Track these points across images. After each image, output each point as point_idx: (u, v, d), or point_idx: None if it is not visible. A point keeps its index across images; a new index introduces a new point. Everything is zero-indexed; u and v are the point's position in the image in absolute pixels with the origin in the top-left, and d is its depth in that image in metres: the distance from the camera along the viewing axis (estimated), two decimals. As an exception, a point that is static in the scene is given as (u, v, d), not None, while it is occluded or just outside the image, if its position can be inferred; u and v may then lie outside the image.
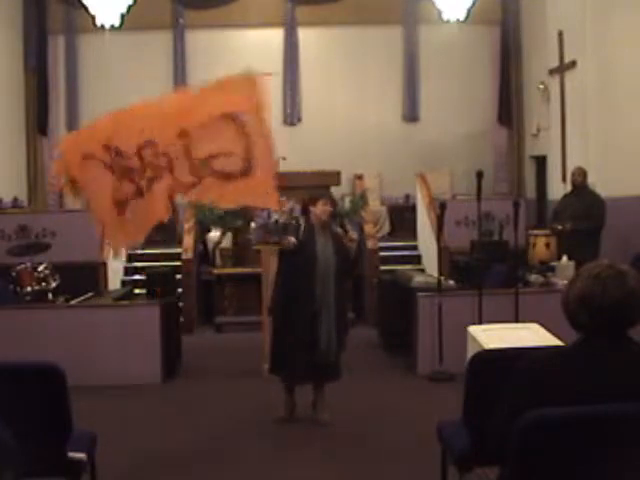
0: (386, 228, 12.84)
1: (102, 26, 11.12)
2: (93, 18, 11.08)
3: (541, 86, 11.82)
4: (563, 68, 10.39)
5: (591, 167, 9.21)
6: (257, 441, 5.57)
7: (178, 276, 10.01)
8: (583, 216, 8.58)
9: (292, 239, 5.75)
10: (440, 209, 7.83)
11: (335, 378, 5.93)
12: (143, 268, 10.33)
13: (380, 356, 8.30)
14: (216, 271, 10.56)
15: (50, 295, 8.05)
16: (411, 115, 13.36)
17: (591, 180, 9.03)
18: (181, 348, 8.27)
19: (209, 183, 4.63)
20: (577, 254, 7.74)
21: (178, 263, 10.27)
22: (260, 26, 13.21)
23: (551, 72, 10.82)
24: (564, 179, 10.04)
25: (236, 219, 10.35)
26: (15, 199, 11.61)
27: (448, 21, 11.67)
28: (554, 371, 2.44)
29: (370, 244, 10.47)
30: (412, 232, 11.95)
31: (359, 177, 12.35)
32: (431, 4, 11.72)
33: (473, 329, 5.43)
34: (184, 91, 4.96)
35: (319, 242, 5.80)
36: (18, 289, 7.92)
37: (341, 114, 12.97)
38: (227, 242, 10.93)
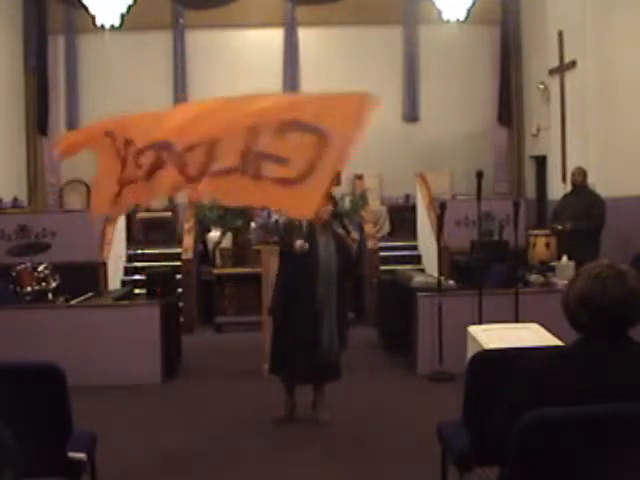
0: (386, 228, 12.84)
1: (102, 26, 11.12)
2: (93, 18, 11.08)
3: (541, 86, 11.81)
4: (563, 68, 10.39)
5: (591, 167, 9.21)
6: (257, 441, 5.57)
7: (178, 276, 10.01)
8: (583, 216, 8.58)
9: (305, 244, 5.75)
10: (440, 209, 7.83)
11: (335, 378, 5.93)
12: (143, 268, 10.34)
13: (380, 356, 8.30)
14: (216, 271, 10.56)
15: (50, 295, 8.05)
16: (411, 115, 13.36)
17: (591, 180, 9.03)
18: (181, 348, 8.27)
19: (243, 182, 4.43)
20: (577, 254, 7.74)
21: (178, 263, 10.27)
22: (260, 26, 13.20)
23: (551, 72, 10.82)
24: (564, 179, 10.04)
25: (236, 219, 10.36)
26: (15, 199, 11.61)
27: (448, 21, 11.67)
28: (554, 371, 2.44)
29: (370, 244, 10.47)
30: (412, 232, 11.95)
31: (359, 177, 12.36)
32: (431, 4, 11.72)
33: (473, 329, 5.43)
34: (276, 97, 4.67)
35: (321, 242, 5.80)
36: (18, 289, 7.92)
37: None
38: (227, 242, 10.94)
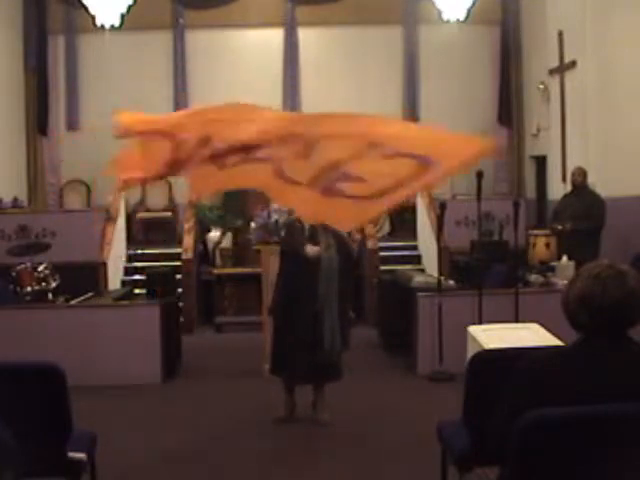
0: (386, 228, 12.83)
1: (102, 26, 11.11)
2: (93, 18, 11.07)
3: (541, 86, 11.81)
4: (563, 68, 10.38)
5: (591, 167, 9.21)
6: (257, 441, 5.57)
7: (178, 276, 10.01)
8: (583, 216, 8.58)
9: (317, 248, 5.74)
10: (440, 209, 7.83)
11: (337, 378, 5.93)
12: (143, 268, 10.34)
13: (380, 356, 8.30)
14: (216, 271, 10.57)
15: (50, 295, 8.05)
16: (411, 115, 13.34)
17: (591, 180, 9.03)
18: (181, 348, 8.27)
19: (314, 197, 4.33)
20: (577, 254, 7.74)
21: (178, 263, 10.27)
22: (260, 26, 13.19)
23: (551, 72, 10.82)
24: (564, 179, 10.04)
25: (236, 219, 10.36)
26: (15, 199, 11.60)
27: (448, 21, 11.67)
28: (554, 371, 2.44)
29: (370, 244, 10.47)
30: (412, 232, 11.94)
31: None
32: (431, 4, 11.72)
33: (473, 329, 5.43)
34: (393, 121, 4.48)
35: (322, 242, 5.80)
36: (18, 289, 7.93)
37: (341, 114, 12.97)
38: (227, 242, 10.94)
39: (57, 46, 13.09)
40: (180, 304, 9.58)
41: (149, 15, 12.44)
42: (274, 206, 7.92)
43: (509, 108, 13.40)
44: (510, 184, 13.48)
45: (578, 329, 2.51)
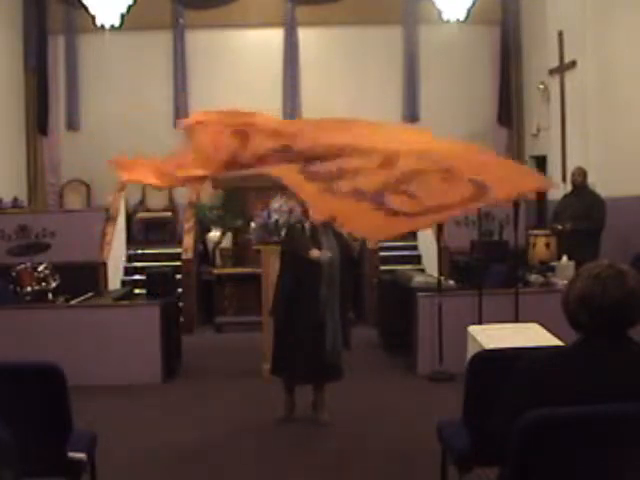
0: (386, 228, 12.82)
1: (102, 26, 11.11)
2: (93, 18, 11.07)
3: (541, 86, 11.81)
4: (563, 68, 10.38)
5: (591, 167, 9.21)
6: (257, 441, 5.57)
7: (178, 276, 10.01)
8: (583, 216, 8.58)
9: (327, 252, 5.74)
10: (440, 209, 7.81)
11: (338, 378, 5.93)
12: (143, 268, 10.34)
13: (380, 356, 8.30)
14: (216, 271, 10.57)
15: (50, 295, 8.04)
16: (411, 115, 13.34)
17: (591, 180, 9.03)
18: (181, 348, 8.26)
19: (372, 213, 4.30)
20: (577, 254, 7.74)
21: (178, 263, 10.27)
22: (260, 26, 13.19)
23: (551, 72, 10.82)
24: (564, 179, 10.04)
25: (236, 219, 10.36)
26: (15, 199, 11.61)
27: (448, 21, 11.67)
28: (554, 371, 2.44)
29: (370, 244, 10.46)
30: (412, 232, 11.94)
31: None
32: (431, 4, 11.72)
33: (473, 329, 5.43)
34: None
35: (323, 242, 5.80)
36: (18, 289, 7.92)
37: (341, 114, 12.87)
38: (227, 242, 10.94)
39: (57, 46, 13.10)
40: (180, 304, 9.59)
41: (149, 15, 12.44)
42: (274, 206, 7.93)
43: (509, 108, 13.40)
44: (510, 184, 13.46)
45: (578, 329, 2.51)
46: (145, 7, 11.80)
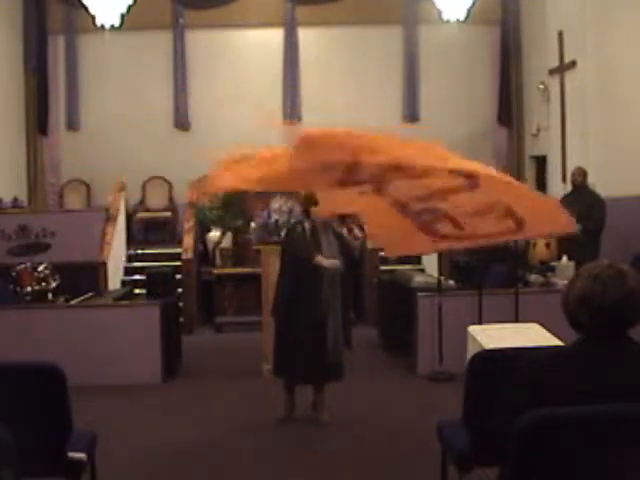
0: (386, 228, 12.82)
1: (102, 26, 11.10)
2: (93, 18, 11.07)
3: (541, 86, 11.81)
4: (563, 68, 10.38)
5: (591, 167, 9.21)
6: (257, 441, 5.57)
7: (178, 276, 10.01)
8: (583, 216, 8.55)
9: (336, 261, 5.74)
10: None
11: (338, 378, 5.93)
12: (143, 268, 10.34)
13: (380, 356, 8.30)
14: (216, 271, 10.56)
15: (50, 295, 8.05)
16: (411, 115, 13.34)
17: (591, 180, 9.03)
18: (181, 348, 8.26)
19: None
20: (577, 254, 7.74)
21: (178, 263, 10.27)
22: (260, 26, 13.19)
23: (551, 72, 10.82)
24: (564, 179, 10.04)
25: (236, 219, 10.36)
26: (15, 199, 11.60)
27: (448, 21, 11.66)
28: (554, 371, 2.44)
29: (370, 244, 10.46)
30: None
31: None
32: (431, 4, 11.72)
33: (473, 329, 5.43)
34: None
35: (324, 243, 5.80)
36: (18, 289, 7.92)
37: (341, 114, 12.92)
38: (227, 242, 10.93)
39: (57, 46, 13.09)
40: (180, 304, 9.58)
41: (149, 15, 12.43)
42: (274, 206, 7.93)
43: (509, 108, 13.40)
44: (510, 184, 13.46)
45: (578, 329, 2.51)
46: (145, 7, 11.80)
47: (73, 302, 7.90)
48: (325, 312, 5.73)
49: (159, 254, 11.33)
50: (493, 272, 7.82)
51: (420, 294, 7.41)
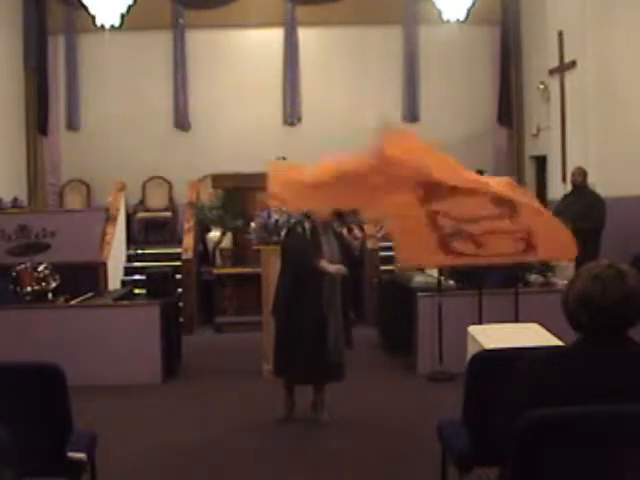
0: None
1: (102, 26, 11.10)
2: (93, 18, 11.07)
3: (541, 86, 11.81)
4: (563, 68, 10.38)
5: (591, 167, 9.21)
6: (257, 441, 5.57)
7: (178, 276, 10.01)
8: (583, 216, 8.57)
9: (342, 267, 5.73)
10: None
11: (339, 379, 5.92)
12: (143, 268, 10.33)
13: (380, 356, 8.30)
14: (216, 271, 10.56)
15: (50, 295, 8.04)
16: (411, 115, 13.34)
17: (591, 180, 9.03)
18: (181, 348, 8.26)
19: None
20: (577, 254, 7.72)
21: (178, 263, 10.27)
22: (260, 26, 13.19)
23: (551, 72, 10.81)
24: (564, 179, 10.04)
25: (236, 219, 10.35)
26: (15, 199, 11.60)
27: (448, 21, 11.66)
28: (554, 371, 2.44)
29: (370, 244, 10.46)
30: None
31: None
32: (431, 4, 11.72)
33: (473, 329, 5.43)
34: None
35: (324, 243, 5.80)
36: (18, 289, 7.92)
37: (341, 114, 12.96)
38: (227, 242, 10.93)
39: (57, 46, 13.10)
40: (180, 304, 9.58)
41: (149, 15, 12.44)
42: (274, 206, 7.92)
43: (509, 108, 13.40)
44: (510, 184, 13.45)
45: (578, 329, 2.51)
46: (145, 7, 11.80)
47: (73, 302, 7.89)
48: (325, 312, 5.73)
49: (159, 254, 11.33)
50: (493, 272, 7.81)
51: (420, 294, 7.41)
